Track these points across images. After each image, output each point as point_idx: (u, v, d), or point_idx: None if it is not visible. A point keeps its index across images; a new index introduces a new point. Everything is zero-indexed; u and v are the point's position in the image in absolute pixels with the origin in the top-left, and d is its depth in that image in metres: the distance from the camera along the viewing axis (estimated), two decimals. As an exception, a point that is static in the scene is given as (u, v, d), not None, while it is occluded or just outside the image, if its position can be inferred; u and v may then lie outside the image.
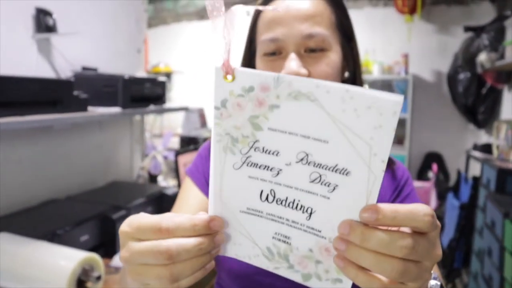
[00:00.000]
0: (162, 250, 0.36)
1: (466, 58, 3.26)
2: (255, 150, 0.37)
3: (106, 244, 1.37)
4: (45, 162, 1.52)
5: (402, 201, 0.75)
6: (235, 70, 0.35)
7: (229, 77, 0.35)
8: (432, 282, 0.45)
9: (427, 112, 3.98)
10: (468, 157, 3.14)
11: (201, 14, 4.86)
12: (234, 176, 0.39)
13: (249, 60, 0.76)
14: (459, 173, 3.18)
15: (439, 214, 3.39)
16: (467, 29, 3.27)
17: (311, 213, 0.37)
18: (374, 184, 0.34)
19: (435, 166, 3.66)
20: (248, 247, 0.41)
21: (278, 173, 0.37)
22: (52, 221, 1.24)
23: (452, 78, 3.53)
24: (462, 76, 3.37)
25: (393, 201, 0.75)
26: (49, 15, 1.53)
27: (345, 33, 0.73)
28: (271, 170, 0.37)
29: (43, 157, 1.52)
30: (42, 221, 1.25)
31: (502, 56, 2.67)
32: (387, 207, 0.34)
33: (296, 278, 0.40)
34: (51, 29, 1.55)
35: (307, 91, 0.34)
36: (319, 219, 0.37)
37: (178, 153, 2.00)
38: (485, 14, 3.55)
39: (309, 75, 0.66)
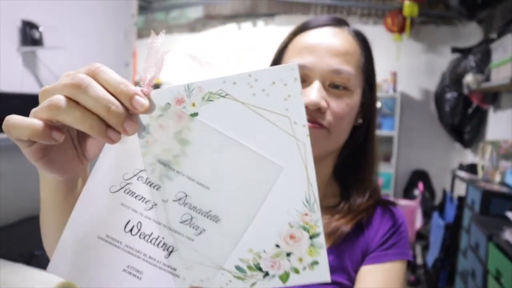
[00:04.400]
0: (76, 78, 0.33)
1: (453, 78, 3.31)
2: (137, 179, 0.37)
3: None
4: (25, 178, 1.49)
5: (390, 245, 0.73)
6: (150, 94, 0.35)
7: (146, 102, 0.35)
8: None
9: (415, 130, 4.01)
10: (454, 176, 3.16)
11: (192, 27, 4.88)
12: (107, 199, 0.37)
13: None
14: (444, 193, 3.21)
15: (424, 233, 3.41)
16: (454, 50, 3.33)
17: (171, 252, 0.37)
18: (306, 152, 0.35)
19: (421, 185, 3.68)
20: (216, 275, 0.38)
21: (151, 207, 0.36)
22: (30, 240, 1.21)
23: (439, 97, 3.58)
24: (449, 95, 3.42)
25: (386, 240, 0.73)
26: (36, 28, 1.51)
27: (368, 79, 0.73)
28: (146, 202, 0.37)
29: (23, 173, 1.48)
30: (20, 240, 1.22)
31: (488, 78, 2.72)
32: None
33: (276, 283, 0.38)
34: (37, 42, 1.53)
35: (217, 89, 0.35)
36: (176, 258, 0.37)
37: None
38: (472, 35, 3.62)
39: (327, 109, 0.66)
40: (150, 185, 0.36)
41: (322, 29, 0.70)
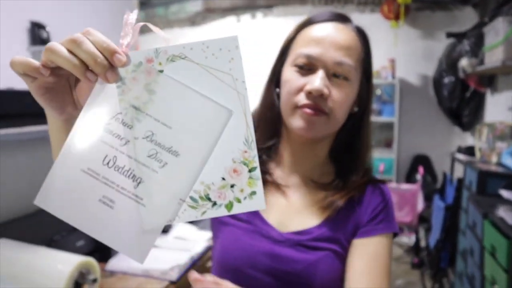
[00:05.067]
0: (73, 36, 0.43)
1: (449, 63, 3.35)
2: (115, 120, 0.45)
3: (101, 249, 1.43)
4: (42, 170, 1.57)
5: (379, 220, 0.81)
6: (128, 54, 0.45)
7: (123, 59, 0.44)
8: None
9: (414, 115, 4.07)
10: (453, 159, 3.22)
11: (193, 20, 4.92)
12: (90, 137, 0.45)
13: (279, 67, 0.83)
14: (445, 175, 3.27)
15: (427, 215, 3.47)
16: (449, 35, 3.37)
17: (139, 183, 0.44)
18: (245, 102, 0.45)
19: (421, 169, 3.74)
20: (174, 204, 0.45)
21: (125, 143, 0.45)
22: (49, 227, 1.30)
23: (437, 82, 3.63)
24: (446, 80, 3.47)
25: (376, 215, 0.81)
26: (43, 28, 1.59)
27: (365, 71, 0.82)
28: (121, 139, 0.45)
29: (40, 166, 1.57)
30: (40, 227, 1.31)
31: (482, 62, 2.77)
32: None
33: (222, 212, 0.45)
34: (45, 41, 1.61)
35: (178, 52, 0.45)
36: (143, 188, 0.44)
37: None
38: (468, 20, 3.65)
39: (329, 96, 0.74)
40: (125, 125, 0.45)
41: (328, 23, 0.78)
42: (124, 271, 1.38)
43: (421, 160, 4.01)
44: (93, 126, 0.45)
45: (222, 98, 0.45)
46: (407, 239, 3.80)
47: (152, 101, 0.45)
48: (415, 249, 3.49)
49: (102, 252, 1.43)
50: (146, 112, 0.45)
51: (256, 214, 0.82)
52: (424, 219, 3.54)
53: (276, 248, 0.78)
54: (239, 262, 0.78)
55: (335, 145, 0.86)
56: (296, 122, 0.77)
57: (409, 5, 3.66)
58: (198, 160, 0.45)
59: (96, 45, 0.43)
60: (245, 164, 0.45)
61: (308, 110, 0.74)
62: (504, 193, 2.06)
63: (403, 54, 4.02)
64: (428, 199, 3.59)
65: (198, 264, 1.60)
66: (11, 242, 1.11)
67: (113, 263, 1.40)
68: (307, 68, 0.76)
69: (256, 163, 0.45)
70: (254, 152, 0.45)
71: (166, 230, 1.80)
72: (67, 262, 1.04)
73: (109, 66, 0.43)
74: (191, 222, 1.96)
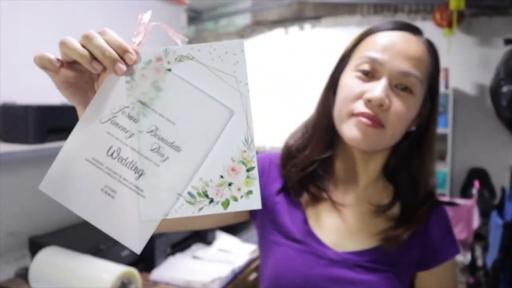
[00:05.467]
0: (87, 32, 0.45)
1: (508, 70, 3.17)
2: (122, 113, 0.46)
3: (145, 259, 1.47)
4: None
5: (445, 246, 0.78)
6: (138, 52, 0.47)
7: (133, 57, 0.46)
8: None
9: (470, 126, 3.88)
10: (513, 173, 3.03)
11: (241, 34, 5.01)
12: (97, 128, 0.47)
13: (338, 73, 0.78)
14: (503, 190, 3.07)
15: (483, 232, 3.28)
16: (508, 41, 3.19)
17: (141, 175, 0.45)
18: (247, 103, 0.46)
19: (477, 183, 3.54)
20: (172, 199, 0.46)
21: (130, 136, 0.46)
22: (96, 237, 1.35)
23: (494, 92, 3.44)
24: (505, 89, 3.28)
25: (441, 242, 0.78)
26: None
27: (431, 89, 0.75)
28: (126, 132, 0.46)
29: None
30: (87, 236, 1.37)
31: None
32: None
33: (219, 209, 0.45)
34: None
35: (187, 53, 0.46)
36: (144, 181, 0.45)
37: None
38: (529, 25, 3.46)
39: (389, 108, 0.69)
40: (131, 119, 0.46)
41: (399, 32, 0.73)
42: (167, 281, 1.41)
43: (477, 174, 3.80)
44: (101, 118, 0.47)
45: (225, 98, 0.46)
46: (462, 257, 3.60)
47: (158, 97, 0.47)
48: (471, 268, 3.29)
49: (146, 263, 1.46)
50: (152, 108, 0.46)
51: (310, 234, 0.77)
52: (480, 236, 3.34)
53: (333, 270, 0.74)
54: (294, 284, 0.75)
55: (388, 162, 0.80)
56: (349, 130, 0.71)
57: (463, 12, 3.51)
58: (198, 156, 0.46)
59: (109, 43, 0.45)
60: (243, 163, 0.46)
61: (364, 120, 0.69)
62: None
63: (457, 63, 3.85)
64: (484, 215, 3.39)
65: (240, 277, 1.60)
66: (60, 250, 1.17)
67: (157, 274, 1.43)
68: (370, 74, 0.71)
69: (254, 163, 0.46)
70: (253, 152, 0.46)
71: (209, 242, 1.82)
72: (111, 272, 1.08)
73: (118, 60, 0.45)
74: (235, 234, 1.97)
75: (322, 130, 0.80)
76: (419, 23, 4.18)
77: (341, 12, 4.65)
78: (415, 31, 0.75)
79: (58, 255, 1.14)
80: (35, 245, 1.29)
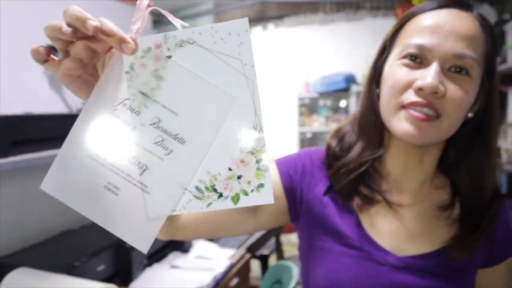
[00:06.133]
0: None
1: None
2: (123, 106, 0.44)
3: (122, 273, 1.40)
4: None
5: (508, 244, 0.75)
6: (136, 40, 0.45)
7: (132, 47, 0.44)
8: None
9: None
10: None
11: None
12: (98, 122, 0.45)
13: (381, 64, 0.72)
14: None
15: None
16: (468, 34, 3.28)
17: (144, 170, 0.44)
18: (254, 87, 0.43)
19: None
20: (179, 194, 0.44)
21: (132, 130, 0.44)
22: (68, 253, 1.28)
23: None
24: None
25: (505, 241, 0.74)
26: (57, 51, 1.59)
27: (488, 68, 0.67)
28: (128, 125, 0.44)
29: None
30: (59, 253, 1.29)
31: (504, 60, 2.68)
32: None
33: (228, 205, 0.43)
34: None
35: (187, 38, 0.43)
36: (148, 176, 0.44)
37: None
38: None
39: (445, 96, 0.62)
40: (132, 111, 0.44)
41: (446, 10, 0.65)
42: (147, 294, 1.35)
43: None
44: (101, 111, 0.45)
45: (230, 84, 0.43)
46: None
47: (159, 87, 0.44)
48: None
49: (123, 276, 1.40)
50: (153, 98, 0.44)
51: (366, 238, 0.71)
52: None
53: (396, 276, 0.68)
54: None
55: (445, 155, 0.73)
56: (401, 125, 0.64)
57: (423, 7, 3.60)
58: (204, 148, 0.44)
59: (105, 33, 0.43)
60: (252, 154, 0.43)
61: (416, 114, 0.62)
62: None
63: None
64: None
65: (221, 283, 1.56)
66: (30, 271, 1.09)
67: (135, 286, 1.37)
68: (418, 60, 0.63)
69: (264, 153, 0.43)
70: (263, 141, 0.43)
71: (186, 249, 1.76)
72: (88, 290, 1.01)
73: (125, 39, 0.43)
74: (212, 240, 1.92)
75: (370, 127, 0.73)
76: (380, 20, 4.29)
77: (304, 11, 4.67)
78: (465, 6, 0.66)
79: (29, 277, 1.06)
80: (1, 267, 1.20)
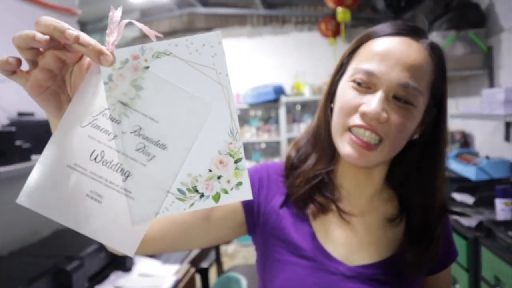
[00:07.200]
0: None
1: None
2: (102, 115, 0.46)
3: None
4: (15, 211, 1.42)
5: (449, 253, 0.80)
6: (113, 51, 0.46)
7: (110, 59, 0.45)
8: None
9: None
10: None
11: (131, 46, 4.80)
12: (77, 133, 0.46)
13: (337, 81, 0.74)
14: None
15: None
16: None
17: (127, 176, 0.45)
18: (229, 94, 0.46)
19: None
20: (162, 197, 0.45)
21: (113, 138, 0.45)
22: (8, 276, 1.16)
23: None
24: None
25: (447, 250, 0.79)
26: None
27: (434, 96, 0.71)
28: (108, 134, 0.45)
29: (14, 206, 1.42)
30: (4, 275, 1.17)
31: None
32: None
33: (210, 203, 0.45)
34: None
35: (163, 49, 0.45)
36: (131, 182, 0.45)
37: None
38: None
39: (387, 122, 0.65)
40: (112, 120, 0.45)
41: (398, 38, 0.68)
42: (91, 319, 1.27)
43: None
44: (79, 122, 0.45)
45: (207, 91, 0.46)
46: None
47: (139, 96, 0.45)
48: None
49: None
50: (133, 108, 0.45)
51: (320, 249, 0.73)
52: None
53: (347, 285, 0.71)
54: None
55: (393, 171, 0.77)
56: (344, 147, 0.68)
57: (345, 23, 3.83)
58: (185, 152, 0.45)
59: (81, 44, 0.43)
60: (230, 155, 0.45)
61: (357, 140, 0.66)
62: (457, 196, 2.17)
63: (342, 69, 4.16)
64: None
65: (169, 301, 1.51)
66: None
67: None
68: (366, 86, 0.67)
69: (241, 154, 0.46)
70: (240, 143, 0.46)
71: (128, 268, 1.69)
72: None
73: (103, 51, 0.44)
74: (153, 256, 1.86)
75: (324, 140, 0.76)
76: (306, 34, 4.47)
77: (232, 23, 4.74)
78: (417, 34, 0.69)
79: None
80: None
